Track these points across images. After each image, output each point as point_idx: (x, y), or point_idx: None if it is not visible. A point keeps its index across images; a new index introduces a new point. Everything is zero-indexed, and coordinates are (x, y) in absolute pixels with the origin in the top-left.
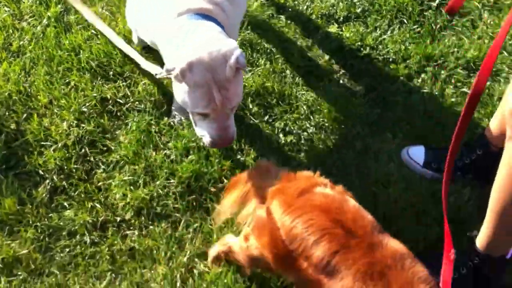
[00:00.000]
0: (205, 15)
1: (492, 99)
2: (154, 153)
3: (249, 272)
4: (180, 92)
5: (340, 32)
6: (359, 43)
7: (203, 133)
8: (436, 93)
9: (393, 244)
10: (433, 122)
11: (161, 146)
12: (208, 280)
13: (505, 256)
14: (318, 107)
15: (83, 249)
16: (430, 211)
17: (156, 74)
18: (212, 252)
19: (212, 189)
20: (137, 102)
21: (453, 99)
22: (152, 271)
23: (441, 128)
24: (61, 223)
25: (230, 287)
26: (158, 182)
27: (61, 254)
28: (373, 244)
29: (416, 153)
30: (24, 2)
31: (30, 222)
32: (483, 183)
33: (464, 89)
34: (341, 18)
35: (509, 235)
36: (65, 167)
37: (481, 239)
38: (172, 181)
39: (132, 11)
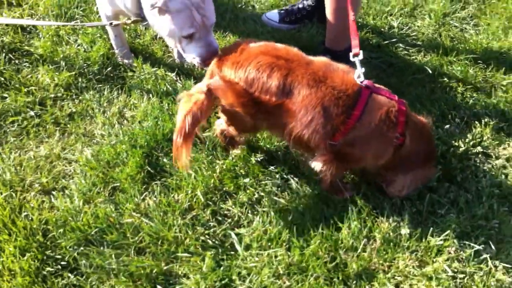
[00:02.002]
0: None
1: None
2: (68, 48)
3: (241, 139)
4: (165, 23)
5: None
6: None
7: (193, 55)
8: None
9: (319, 59)
10: None
11: (72, 43)
12: (138, 118)
13: (345, 50)
14: None
15: (30, 121)
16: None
17: (111, 23)
18: (218, 133)
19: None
20: (42, 18)
21: None
22: (92, 124)
23: None
24: (6, 107)
25: (158, 118)
26: (77, 67)
27: (12, 128)
28: (307, 62)
29: (271, 15)
30: None
31: None
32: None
33: None
34: None
35: (345, 31)
36: None
37: (327, 38)
38: (89, 63)
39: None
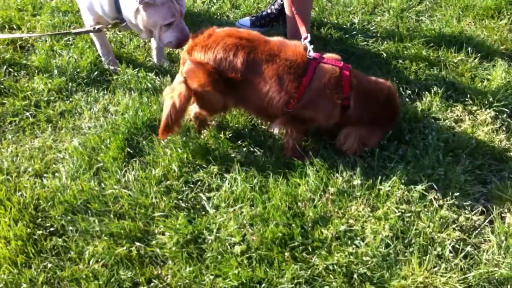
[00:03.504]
0: None
1: None
2: (60, 59)
3: (212, 119)
4: (149, 16)
5: None
6: None
7: (170, 39)
8: None
9: (275, 38)
10: None
11: (64, 55)
12: (121, 111)
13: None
14: None
15: (26, 121)
16: None
17: (94, 28)
18: (192, 117)
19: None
20: (39, 38)
21: None
22: (81, 119)
23: None
24: (5, 110)
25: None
26: (68, 73)
27: (10, 128)
28: (266, 41)
29: (244, 22)
30: None
31: None
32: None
33: None
34: None
35: (306, 22)
36: None
37: (288, 31)
38: (78, 70)
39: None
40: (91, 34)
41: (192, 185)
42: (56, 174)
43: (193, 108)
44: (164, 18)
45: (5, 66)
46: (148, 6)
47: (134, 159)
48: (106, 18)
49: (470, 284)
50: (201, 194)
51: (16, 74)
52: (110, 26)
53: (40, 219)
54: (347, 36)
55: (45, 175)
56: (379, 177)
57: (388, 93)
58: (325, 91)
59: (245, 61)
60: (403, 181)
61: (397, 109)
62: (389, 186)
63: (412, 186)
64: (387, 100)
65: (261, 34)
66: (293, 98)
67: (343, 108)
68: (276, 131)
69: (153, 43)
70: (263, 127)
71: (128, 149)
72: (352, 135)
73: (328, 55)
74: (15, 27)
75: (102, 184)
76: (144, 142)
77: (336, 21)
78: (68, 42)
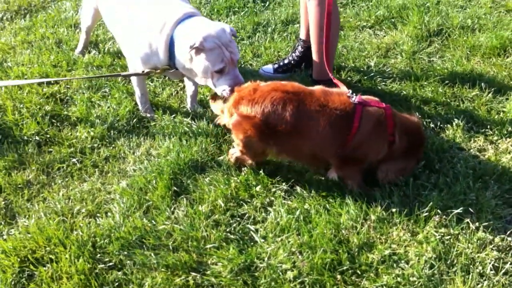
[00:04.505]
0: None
1: None
2: (99, 109)
3: (254, 164)
4: (200, 61)
5: None
6: None
7: (223, 87)
8: None
9: (316, 88)
10: None
11: (103, 105)
12: (163, 154)
13: (329, 79)
14: None
15: (73, 167)
16: None
17: (143, 71)
18: (233, 161)
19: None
20: (76, 90)
21: None
22: (125, 163)
23: None
24: (52, 157)
25: None
26: (109, 122)
27: (59, 174)
28: (310, 92)
29: (267, 69)
30: None
31: (29, 164)
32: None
33: None
34: None
35: (328, 65)
36: (42, 132)
37: (314, 71)
38: (118, 118)
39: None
40: (133, 84)
41: (238, 219)
42: (108, 213)
43: (234, 153)
44: (214, 63)
45: (47, 118)
46: (198, 51)
47: (181, 196)
48: (158, 66)
49: None
50: (248, 226)
51: (58, 124)
52: (158, 71)
53: (99, 255)
54: (365, 77)
55: (97, 215)
56: (416, 204)
57: (418, 125)
58: (374, 131)
59: (294, 113)
60: (438, 207)
61: (425, 138)
62: (426, 211)
63: (448, 211)
64: (418, 131)
65: (303, 86)
66: (346, 142)
67: (389, 144)
68: (334, 176)
69: (188, 91)
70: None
71: (174, 188)
72: (392, 167)
73: (366, 97)
74: (52, 82)
75: (153, 220)
76: (188, 181)
77: (353, 65)
78: (104, 93)
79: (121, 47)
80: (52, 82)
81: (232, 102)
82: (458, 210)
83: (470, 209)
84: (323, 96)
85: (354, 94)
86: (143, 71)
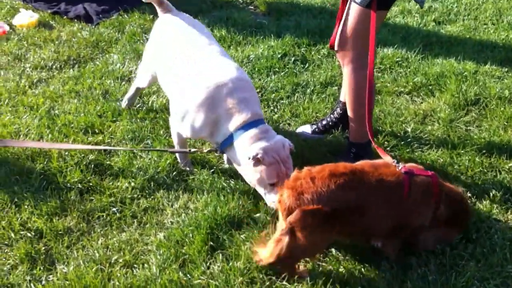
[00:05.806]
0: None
1: None
2: (141, 160)
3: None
4: (256, 173)
5: None
6: None
7: (274, 199)
8: None
9: (364, 164)
10: None
11: (144, 157)
12: (200, 208)
13: (367, 142)
14: None
15: (112, 216)
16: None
17: (190, 150)
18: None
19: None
20: (119, 141)
21: None
22: (163, 215)
23: None
24: (93, 206)
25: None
26: (149, 173)
27: (99, 222)
28: (360, 170)
29: (304, 129)
30: None
31: (71, 211)
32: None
33: None
34: None
35: (361, 126)
36: (85, 180)
37: (350, 134)
38: (158, 170)
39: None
40: (174, 139)
41: (273, 277)
42: (145, 265)
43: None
44: (269, 177)
45: (91, 167)
46: (258, 162)
47: (217, 252)
48: (207, 139)
49: None
50: (285, 283)
51: (101, 173)
52: (206, 150)
53: None
54: (402, 143)
55: (134, 265)
56: (453, 274)
57: (462, 196)
58: (422, 200)
59: (356, 197)
60: (475, 277)
61: (469, 211)
62: (463, 281)
63: (485, 282)
64: (462, 202)
65: (352, 164)
66: (398, 213)
67: (433, 211)
68: (380, 245)
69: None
70: None
71: (211, 243)
72: (433, 236)
73: (410, 165)
74: (97, 131)
75: (189, 274)
76: (224, 237)
77: (390, 129)
78: (147, 145)
79: (171, 106)
80: (96, 131)
81: (290, 200)
82: (495, 282)
83: (507, 281)
84: (374, 170)
85: (399, 163)
86: (189, 150)
